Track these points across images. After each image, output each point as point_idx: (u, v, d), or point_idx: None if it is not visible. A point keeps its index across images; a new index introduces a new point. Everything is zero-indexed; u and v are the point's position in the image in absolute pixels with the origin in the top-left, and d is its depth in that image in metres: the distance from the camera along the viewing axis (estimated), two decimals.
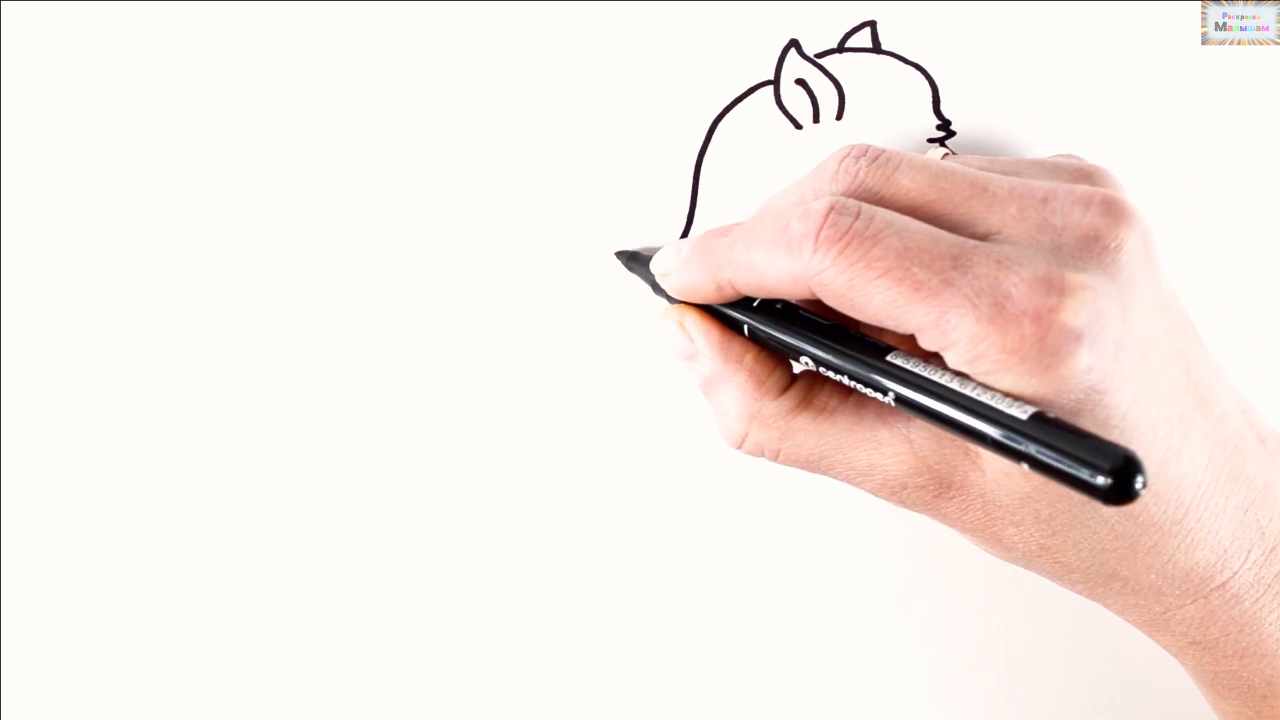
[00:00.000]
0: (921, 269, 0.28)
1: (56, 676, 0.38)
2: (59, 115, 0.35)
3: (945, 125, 0.37)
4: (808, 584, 0.40)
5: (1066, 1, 0.37)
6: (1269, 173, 0.39)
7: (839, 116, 0.37)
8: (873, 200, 0.30)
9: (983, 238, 0.30)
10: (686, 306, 0.33)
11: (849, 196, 0.30)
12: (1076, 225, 0.29)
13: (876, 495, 0.33)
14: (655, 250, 0.34)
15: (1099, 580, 0.32)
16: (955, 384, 0.28)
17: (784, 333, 0.32)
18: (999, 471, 0.30)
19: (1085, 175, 0.32)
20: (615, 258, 0.37)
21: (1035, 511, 0.31)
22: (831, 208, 0.29)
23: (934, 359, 0.29)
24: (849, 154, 0.31)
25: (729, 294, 0.32)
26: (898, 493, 0.32)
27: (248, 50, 0.35)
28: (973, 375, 0.28)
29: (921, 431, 0.31)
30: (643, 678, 0.40)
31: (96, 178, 0.35)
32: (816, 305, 0.32)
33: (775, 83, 0.36)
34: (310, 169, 0.36)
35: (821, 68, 0.36)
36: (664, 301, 0.34)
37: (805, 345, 0.31)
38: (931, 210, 0.30)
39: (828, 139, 0.37)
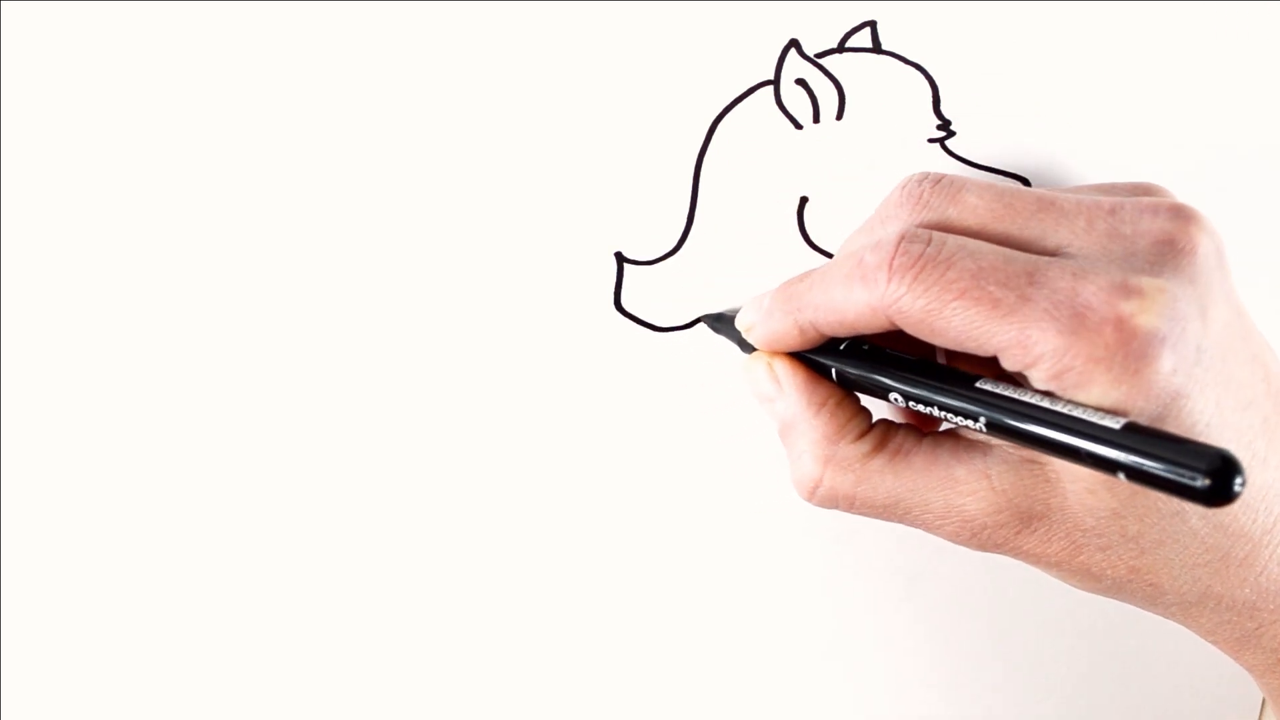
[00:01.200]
0: (998, 287, 0.28)
1: (56, 676, 0.38)
2: (59, 115, 0.35)
3: (945, 125, 0.37)
4: (808, 580, 0.40)
5: (1067, 1, 0.37)
6: (1274, 170, 0.39)
7: (839, 116, 0.37)
8: (940, 222, 0.31)
9: (1052, 253, 0.30)
10: (775, 353, 0.34)
11: (917, 220, 0.31)
12: (1148, 231, 0.29)
13: (955, 540, 0.32)
14: (737, 310, 0.35)
15: (1193, 599, 0.32)
16: (1046, 403, 0.28)
17: (872, 371, 0.32)
18: (1084, 491, 0.30)
19: (1144, 190, 0.32)
20: (702, 322, 0.37)
21: (1123, 529, 0.30)
22: (902, 236, 0.29)
23: (1016, 383, 0.30)
24: (911, 179, 0.32)
25: (812, 337, 0.32)
26: (978, 534, 0.32)
27: (248, 50, 0.35)
28: (1058, 391, 0.28)
29: (999, 465, 0.31)
30: (644, 674, 0.40)
31: (96, 178, 0.35)
32: (896, 340, 0.32)
33: (775, 83, 0.36)
34: (310, 171, 0.36)
35: (821, 68, 0.36)
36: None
37: (894, 380, 0.31)
38: (1000, 227, 0.30)
39: (828, 139, 0.37)
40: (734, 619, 0.40)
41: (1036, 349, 0.28)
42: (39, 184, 0.35)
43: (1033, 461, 0.31)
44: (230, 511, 0.37)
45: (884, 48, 0.37)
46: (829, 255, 0.38)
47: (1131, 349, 0.27)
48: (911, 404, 0.31)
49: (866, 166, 0.37)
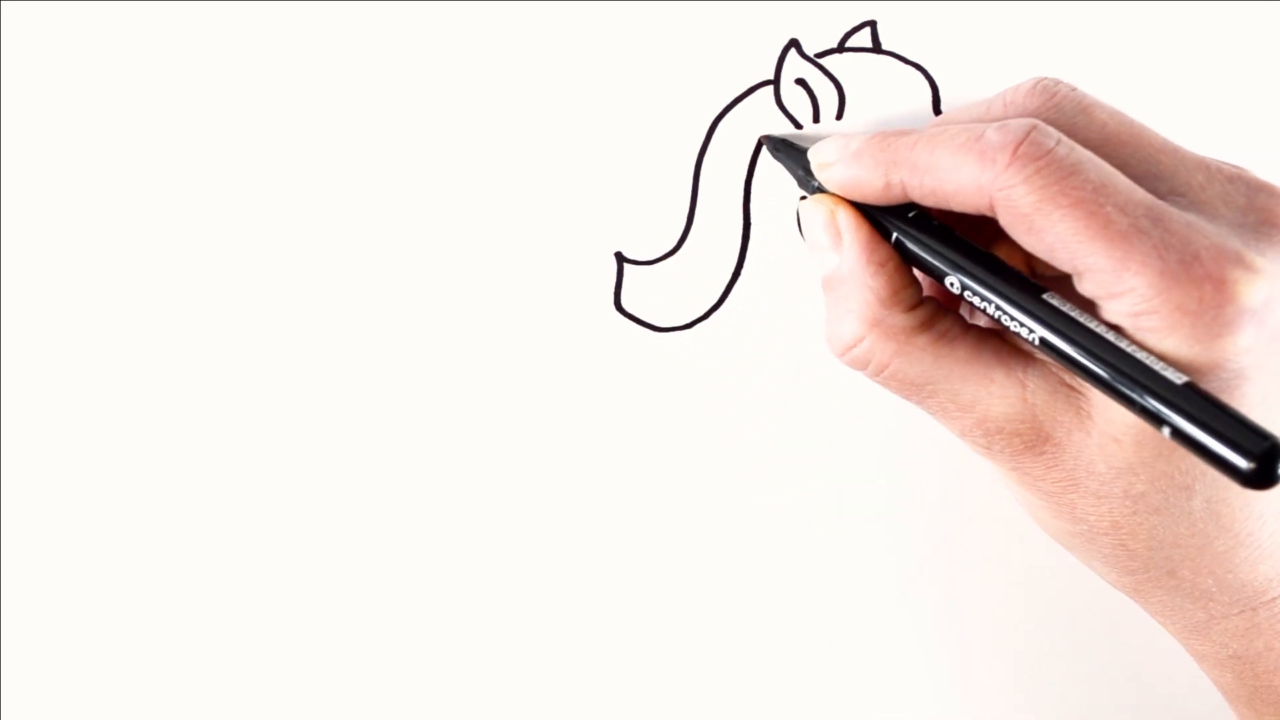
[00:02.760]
0: (1115, 209, 0.28)
1: (56, 676, 0.38)
2: (59, 115, 0.35)
3: None
4: (805, 581, 0.40)
5: (1067, 1, 0.37)
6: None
7: (839, 116, 0.37)
8: (1066, 126, 0.30)
9: (1163, 196, 0.29)
10: (839, 201, 0.33)
11: (1043, 117, 0.30)
12: (1262, 209, 0.29)
13: (964, 436, 0.32)
14: (809, 139, 0.34)
15: (1155, 576, 0.32)
16: (1111, 336, 0.28)
17: (939, 249, 0.31)
18: (1110, 436, 0.30)
19: (1239, 169, 0.32)
20: (761, 141, 0.36)
21: (1128, 485, 0.30)
22: (1034, 127, 0.29)
23: (1084, 307, 0.29)
24: (1048, 77, 0.31)
25: (896, 195, 0.31)
26: (989, 435, 0.31)
27: (248, 50, 0.35)
28: (1130, 329, 0.28)
29: (1038, 379, 0.31)
30: (641, 673, 0.40)
31: (97, 178, 0.35)
32: (965, 226, 0.31)
33: (775, 83, 0.36)
34: (310, 170, 0.36)
35: (821, 68, 0.36)
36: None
37: (959, 267, 0.31)
38: (1121, 152, 0.30)
39: None
40: (732, 618, 0.40)
41: (1129, 281, 0.27)
42: (39, 184, 0.35)
43: (1071, 389, 0.30)
44: (231, 511, 0.37)
45: (884, 48, 0.37)
46: None
47: (1223, 314, 0.27)
48: (968, 294, 0.30)
49: None
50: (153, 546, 0.37)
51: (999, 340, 0.32)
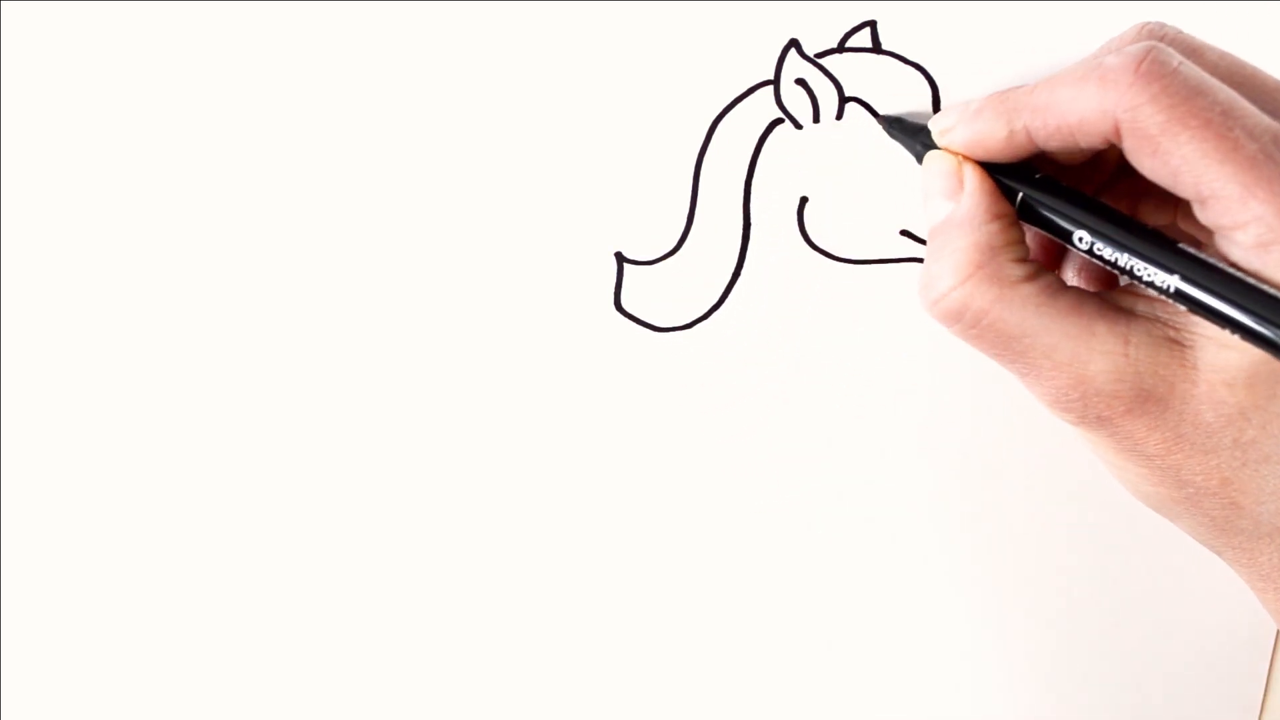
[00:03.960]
0: (1244, 133, 0.27)
1: (56, 676, 0.38)
2: (59, 115, 0.35)
3: None
4: (805, 581, 0.40)
5: (1066, 1, 0.37)
6: None
7: (839, 116, 0.37)
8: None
9: None
10: (966, 159, 0.33)
11: None
12: None
13: (1055, 402, 0.31)
14: (924, 115, 0.34)
15: (1265, 531, 0.31)
16: (1252, 279, 0.28)
17: (1065, 207, 0.31)
18: (1221, 383, 0.29)
19: None
20: (878, 122, 0.36)
21: (1239, 434, 0.30)
22: (1153, 46, 0.28)
23: (1198, 240, 0.29)
24: (1151, 22, 0.31)
25: (1020, 143, 0.31)
26: (1086, 398, 0.30)
27: (248, 50, 0.35)
28: (1254, 262, 0.28)
29: (1141, 335, 0.30)
30: (640, 673, 0.40)
31: (97, 178, 0.35)
32: (1063, 174, 0.31)
33: (775, 83, 0.36)
34: (310, 171, 0.36)
35: (821, 68, 0.36)
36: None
37: (1085, 223, 0.31)
38: (1238, 91, 0.29)
39: (828, 139, 0.37)
40: (732, 618, 0.40)
41: (1256, 208, 0.27)
42: (39, 184, 0.35)
43: (1175, 343, 0.30)
44: (230, 511, 0.37)
45: (884, 48, 0.37)
46: (829, 255, 0.38)
47: None
48: (1096, 247, 0.30)
49: (866, 166, 0.37)
50: (152, 545, 0.37)
51: (1099, 298, 0.31)
